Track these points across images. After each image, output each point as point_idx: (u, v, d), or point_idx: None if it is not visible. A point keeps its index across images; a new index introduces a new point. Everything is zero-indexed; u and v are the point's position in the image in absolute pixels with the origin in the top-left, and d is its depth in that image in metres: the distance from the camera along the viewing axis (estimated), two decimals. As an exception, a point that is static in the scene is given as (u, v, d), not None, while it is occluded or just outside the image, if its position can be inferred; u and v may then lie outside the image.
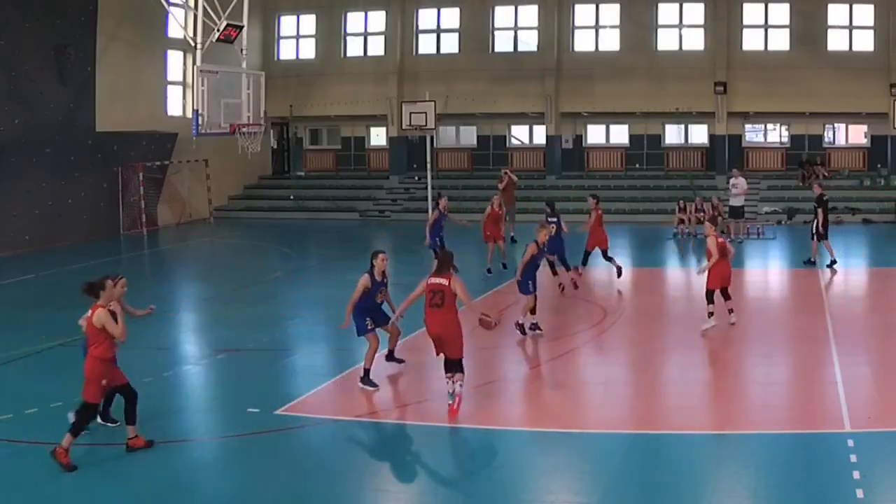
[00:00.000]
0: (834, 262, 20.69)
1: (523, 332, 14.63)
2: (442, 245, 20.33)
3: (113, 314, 9.46)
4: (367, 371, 12.03)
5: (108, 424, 10.49)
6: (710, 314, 14.54)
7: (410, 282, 19.83)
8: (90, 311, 9.56)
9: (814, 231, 21.02)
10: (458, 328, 10.95)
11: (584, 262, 19.92)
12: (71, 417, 9.66)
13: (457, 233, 21.71)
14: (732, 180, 26.12)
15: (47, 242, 26.07)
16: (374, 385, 11.95)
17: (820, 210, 20.92)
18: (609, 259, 19.58)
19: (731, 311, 14.89)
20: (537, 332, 14.74)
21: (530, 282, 14.47)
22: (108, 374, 9.57)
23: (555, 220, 18.59)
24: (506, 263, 20.93)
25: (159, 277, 23.79)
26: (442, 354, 11.08)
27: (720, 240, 15.02)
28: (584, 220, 20.68)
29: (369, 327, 12.02)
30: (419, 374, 13.12)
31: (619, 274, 19.39)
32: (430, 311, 10.95)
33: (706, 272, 14.74)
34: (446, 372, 10.97)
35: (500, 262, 21.21)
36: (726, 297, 14.88)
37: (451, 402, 10.87)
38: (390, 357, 12.97)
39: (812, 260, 21.18)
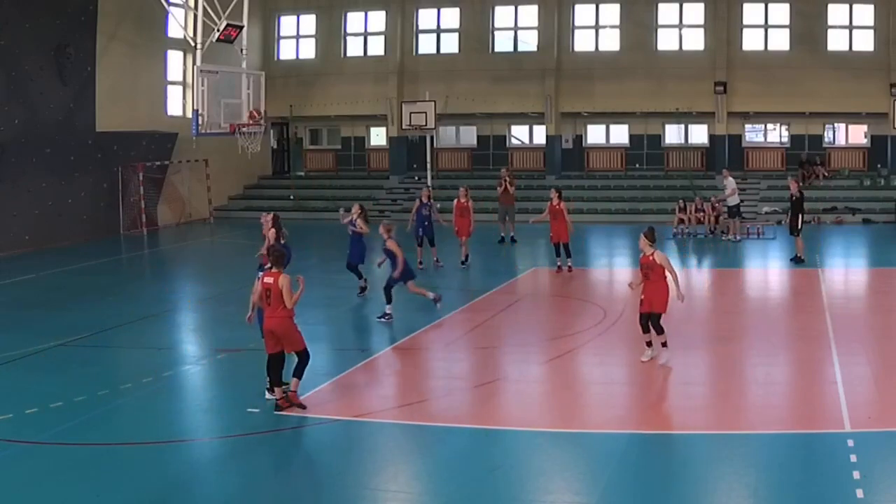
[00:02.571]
0: (801, 258, 21.21)
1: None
2: (430, 234, 20.79)
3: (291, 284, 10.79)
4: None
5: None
6: (664, 344, 12.65)
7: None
8: (271, 277, 10.78)
9: (794, 227, 21.50)
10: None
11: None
12: (268, 395, 11.14)
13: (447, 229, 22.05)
14: (723, 181, 26.38)
15: (47, 242, 26.07)
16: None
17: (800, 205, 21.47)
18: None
19: (649, 343, 12.71)
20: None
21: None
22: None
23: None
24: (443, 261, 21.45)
25: (159, 277, 23.81)
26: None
27: (652, 256, 12.59)
28: (585, 219, 20.83)
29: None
30: (419, 374, 13.13)
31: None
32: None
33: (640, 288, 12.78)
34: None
35: (460, 258, 21.49)
36: (657, 326, 12.63)
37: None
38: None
39: (800, 257, 21.39)
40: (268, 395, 11.47)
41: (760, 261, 23.29)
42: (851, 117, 32.72)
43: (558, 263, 20.52)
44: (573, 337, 14.63)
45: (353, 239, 17.71)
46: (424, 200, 21.26)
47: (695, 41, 33.29)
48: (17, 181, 25.26)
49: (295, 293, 10.74)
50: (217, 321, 16.90)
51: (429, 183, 30.37)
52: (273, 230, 13.14)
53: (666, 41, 33.56)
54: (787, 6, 32.31)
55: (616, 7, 33.86)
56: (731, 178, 26.16)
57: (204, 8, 23.55)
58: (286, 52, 37.23)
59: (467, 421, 10.84)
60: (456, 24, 35.37)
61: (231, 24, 24.07)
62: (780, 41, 32.49)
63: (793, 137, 33.91)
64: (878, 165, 32.31)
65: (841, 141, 34.01)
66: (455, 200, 22.11)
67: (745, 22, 32.75)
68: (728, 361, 13.07)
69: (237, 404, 11.34)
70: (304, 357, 10.93)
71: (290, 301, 10.68)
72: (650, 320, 12.58)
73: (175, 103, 32.53)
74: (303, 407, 10.89)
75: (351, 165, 38.18)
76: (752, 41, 32.80)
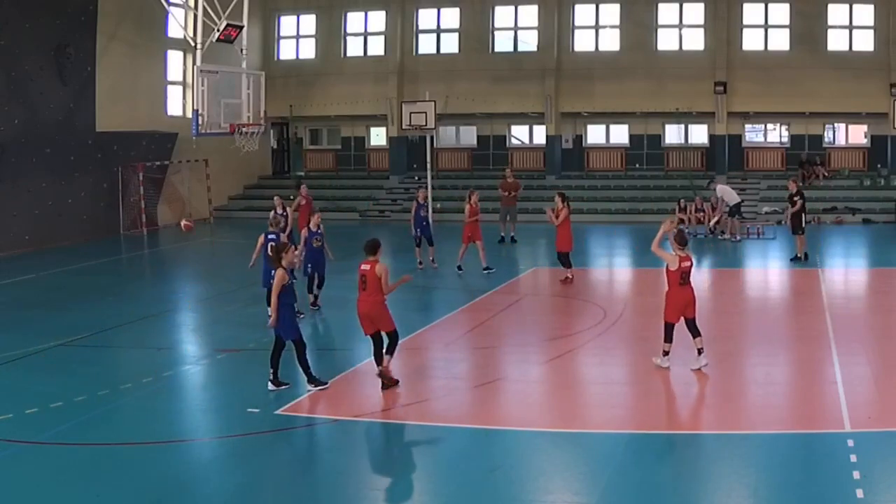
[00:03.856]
0: (800, 258, 21.28)
1: None
2: (429, 235, 20.66)
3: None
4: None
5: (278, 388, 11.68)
6: (666, 353, 12.35)
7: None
8: (368, 265, 11.58)
9: (795, 227, 21.53)
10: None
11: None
12: (271, 386, 11.61)
13: (447, 229, 21.86)
14: (718, 193, 26.42)
15: (47, 242, 26.07)
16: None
17: (799, 203, 21.51)
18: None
19: (700, 350, 12.26)
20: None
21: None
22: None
23: None
24: (460, 266, 20.79)
25: (159, 277, 23.80)
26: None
27: (685, 262, 12.42)
28: (585, 219, 20.60)
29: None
30: (419, 374, 13.12)
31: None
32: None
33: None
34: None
35: (457, 263, 20.88)
36: (694, 332, 12.32)
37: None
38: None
39: (798, 256, 21.45)
40: (270, 387, 11.47)
41: (760, 261, 23.29)
42: (851, 117, 32.71)
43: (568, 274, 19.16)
44: (573, 337, 14.64)
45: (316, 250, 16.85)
46: (421, 201, 21.23)
47: (695, 41, 33.28)
48: (17, 181, 25.26)
49: (392, 283, 11.67)
50: (217, 321, 16.90)
51: (429, 184, 30.37)
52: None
53: (666, 41, 33.55)
54: (787, 6, 32.31)
55: (616, 7, 33.85)
56: (720, 186, 26.33)
57: (204, 8, 23.54)
58: (286, 52, 37.23)
59: (467, 421, 10.85)
60: (456, 24, 35.36)
61: (231, 24, 24.06)
62: (780, 41, 32.48)
63: (793, 137, 33.90)
64: (878, 165, 32.31)
65: (841, 141, 34.00)
66: (467, 205, 20.82)
67: (745, 22, 32.73)
68: (728, 361, 13.06)
69: (237, 404, 11.35)
70: (394, 337, 11.75)
71: (387, 289, 11.56)
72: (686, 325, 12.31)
73: (175, 103, 32.54)
74: (395, 382, 11.74)
75: (351, 165, 38.18)
76: (752, 41, 32.79)
